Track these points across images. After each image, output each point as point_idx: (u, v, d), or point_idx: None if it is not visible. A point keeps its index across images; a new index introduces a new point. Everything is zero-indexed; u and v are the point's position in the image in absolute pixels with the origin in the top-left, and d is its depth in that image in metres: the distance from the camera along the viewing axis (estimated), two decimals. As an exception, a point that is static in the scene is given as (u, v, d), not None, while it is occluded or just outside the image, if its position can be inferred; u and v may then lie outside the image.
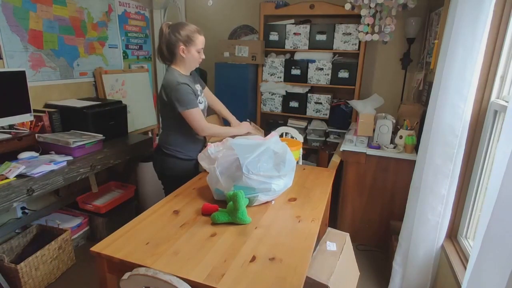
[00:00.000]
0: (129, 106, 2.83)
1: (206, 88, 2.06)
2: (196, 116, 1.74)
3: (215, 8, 3.74)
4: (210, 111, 2.08)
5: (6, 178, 1.73)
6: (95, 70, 2.83)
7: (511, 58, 1.50)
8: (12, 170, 1.77)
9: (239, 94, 3.42)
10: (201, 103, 1.84)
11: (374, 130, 2.47)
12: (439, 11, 2.45)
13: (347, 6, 2.84)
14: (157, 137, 1.95)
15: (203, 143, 1.97)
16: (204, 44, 1.80)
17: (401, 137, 2.38)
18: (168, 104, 1.73)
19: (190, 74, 1.89)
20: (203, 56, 1.82)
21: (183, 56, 1.74)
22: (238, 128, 1.98)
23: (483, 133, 1.64)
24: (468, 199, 1.74)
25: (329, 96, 3.33)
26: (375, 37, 2.87)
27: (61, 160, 1.99)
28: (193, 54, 1.76)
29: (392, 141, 2.46)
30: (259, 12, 3.33)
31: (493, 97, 1.59)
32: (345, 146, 2.46)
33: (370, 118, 2.45)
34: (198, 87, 1.90)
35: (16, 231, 2.27)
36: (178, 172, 1.88)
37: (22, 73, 2.05)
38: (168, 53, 1.76)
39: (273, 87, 3.44)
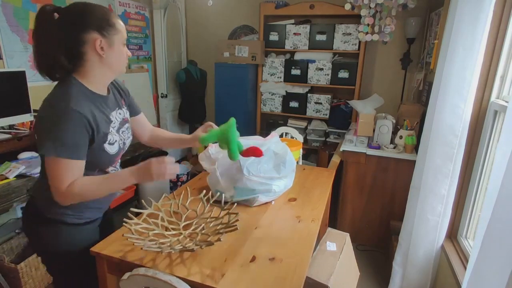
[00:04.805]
0: (129, 106, 2.83)
1: (142, 115, 1.37)
2: (63, 169, 0.97)
3: (215, 8, 3.74)
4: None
5: (6, 178, 1.73)
6: (95, 70, 2.83)
7: (511, 58, 1.50)
8: (12, 170, 1.77)
9: (239, 94, 3.42)
10: (112, 143, 1.10)
11: (374, 130, 2.47)
12: (439, 11, 2.45)
13: (347, 6, 2.84)
14: (33, 192, 1.19)
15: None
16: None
17: (401, 137, 2.38)
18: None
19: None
20: (129, 53, 1.13)
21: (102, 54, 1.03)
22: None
23: (483, 133, 1.64)
24: (468, 199, 1.73)
25: (329, 96, 3.33)
26: (375, 37, 2.87)
27: (61, 160, 1.99)
28: (116, 50, 1.06)
29: (392, 141, 2.46)
30: (259, 12, 3.33)
31: (493, 97, 1.59)
32: (345, 146, 2.46)
33: (370, 118, 2.45)
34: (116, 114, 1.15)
35: (16, 231, 2.26)
36: (71, 244, 1.15)
37: (22, 73, 2.06)
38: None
39: (273, 87, 3.44)
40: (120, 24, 1.05)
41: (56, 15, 0.99)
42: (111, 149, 1.09)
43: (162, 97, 3.72)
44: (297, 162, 2.30)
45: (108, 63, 1.05)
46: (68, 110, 0.94)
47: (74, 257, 1.16)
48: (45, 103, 0.99)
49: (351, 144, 2.48)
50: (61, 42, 0.98)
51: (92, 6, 1.01)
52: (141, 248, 1.12)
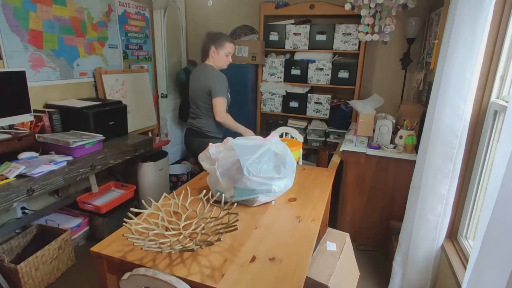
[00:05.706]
0: (129, 106, 2.83)
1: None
2: (224, 103, 2.20)
3: (215, 8, 3.74)
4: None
5: (6, 178, 1.73)
6: (95, 70, 2.83)
7: (511, 58, 1.50)
8: (12, 170, 1.77)
9: (239, 94, 3.41)
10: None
11: (374, 130, 2.47)
12: (439, 11, 2.45)
13: (347, 6, 2.84)
14: (195, 121, 2.37)
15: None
16: (232, 50, 2.28)
17: (401, 137, 2.38)
18: (210, 91, 2.16)
19: None
20: (230, 60, 2.30)
21: (213, 56, 2.25)
22: (245, 130, 2.32)
23: (483, 133, 1.64)
24: (468, 199, 1.73)
25: (329, 96, 3.33)
26: (375, 37, 2.87)
27: (61, 160, 1.99)
28: (221, 56, 2.25)
29: (392, 141, 2.46)
30: (259, 12, 3.33)
31: (493, 97, 1.59)
32: (345, 146, 2.46)
33: (370, 118, 2.45)
34: None
35: (16, 231, 2.27)
36: None
37: (22, 73, 2.05)
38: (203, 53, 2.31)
39: (273, 87, 3.45)
40: (227, 44, 2.23)
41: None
42: (228, 96, 2.30)
43: (162, 97, 3.72)
44: (297, 162, 2.30)
45: (215, 60, 2.25)
46: (222, 74, 2.22)
47: None
48: (213, 73, 2.20)
49: (351, 144, 2.48)
50: (204, 47, 2.24)
51: (218, 34, 2.24)
52: (141, 248, 1.12)
